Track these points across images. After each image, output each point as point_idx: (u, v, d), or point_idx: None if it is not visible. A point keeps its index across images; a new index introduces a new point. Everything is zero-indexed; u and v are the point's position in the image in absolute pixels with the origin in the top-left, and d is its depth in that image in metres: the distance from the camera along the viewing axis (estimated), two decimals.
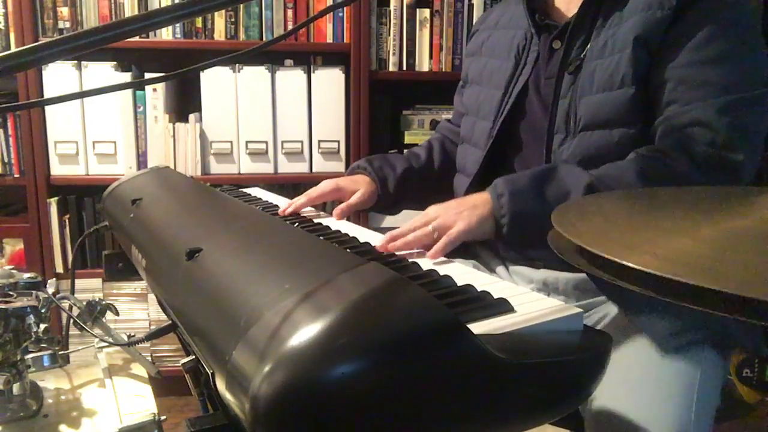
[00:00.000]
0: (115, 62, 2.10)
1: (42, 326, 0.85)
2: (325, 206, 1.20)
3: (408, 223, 0.91)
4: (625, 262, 0.48)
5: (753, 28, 0.97)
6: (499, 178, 0.95)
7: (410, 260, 0.81)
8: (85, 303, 1.01)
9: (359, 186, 1.19)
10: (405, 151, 1.34)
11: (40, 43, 0.49)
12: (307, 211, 1.15)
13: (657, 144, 0.96)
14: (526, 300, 0.66)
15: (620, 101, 0.97)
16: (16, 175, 2.11)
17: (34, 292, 0.89)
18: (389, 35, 2.18)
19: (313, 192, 1.15)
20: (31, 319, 0.84)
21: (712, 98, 0.92)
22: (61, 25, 2.07)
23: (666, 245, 0.52)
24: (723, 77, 0.93)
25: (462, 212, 0.92)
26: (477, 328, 0.58)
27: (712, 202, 0.65)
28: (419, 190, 1.28)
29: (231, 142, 2.16)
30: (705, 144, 0.92)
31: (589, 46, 1.01)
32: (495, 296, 0.65)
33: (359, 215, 2.16)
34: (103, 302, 1.02)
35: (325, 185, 1.17)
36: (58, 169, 2.12)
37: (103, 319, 1.01)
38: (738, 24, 0.95)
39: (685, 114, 0.94)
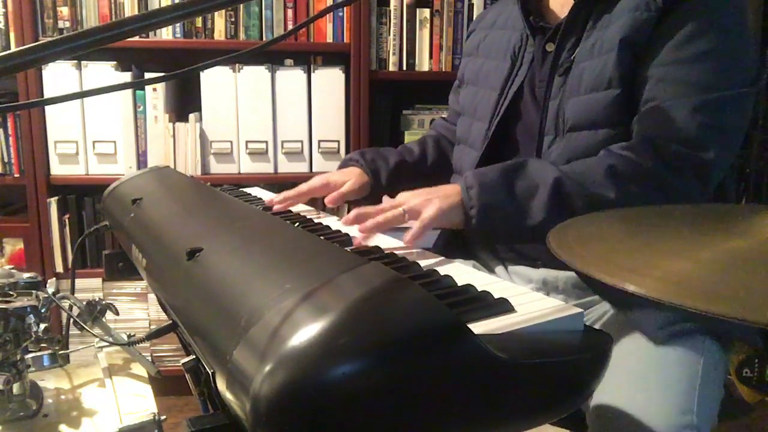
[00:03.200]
0: (115, 62, 2.10)
1: (42, 326, 0.85)
2: (324, 206, 1.20)
3: (377, 205, 0.92)
4: (627, 287, 0.48)
5: (737, 29, 0.97)
6: (470, 171, 0.97)
7: (410, 260, 0.81)
8: (85, 303, 1.01)
9: (350, 178, 1.20)
10: (399, 146, 1.34)
11: (40, 43, 0.49)
12: (308, 211, 1.15)
13: (632, 139, 0.96)
14: (527, 300, 0.66)
15: (606, 102, 0.97)
16: (16, 175, 2.11)
17: (34, 291, 0.89)
18: (389, 35, 2.18)
19: (303, 187, 1.15)
20: (31, 318, 0.84)
21: (686, 97, 0.93)
22: (61, 25, 2.07)
23: (666, 268, 0.52)
24: (701, 76, 0.93)
25: (432, 199, 0.93)
26: (477, 328, 0.58)
27: (709, 222, 0.65)
28: (411, 184, 1.27)
29: (231, 142, 2.16)
30: (674, 141, 0.92)
31: (579, 47, 1.02)
32: (495, 296, 0.65)
33: None
34: (103, 302, 1.02)
35: (315, 181, 1.18)
36: (58, 169, 2.12)
37: (103, 319, 1.01)
38: (721, 24, 0.95)
39: (660, 111, 0.94)
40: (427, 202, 0.92)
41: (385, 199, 1.06)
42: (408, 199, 0.93)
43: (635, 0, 0.97)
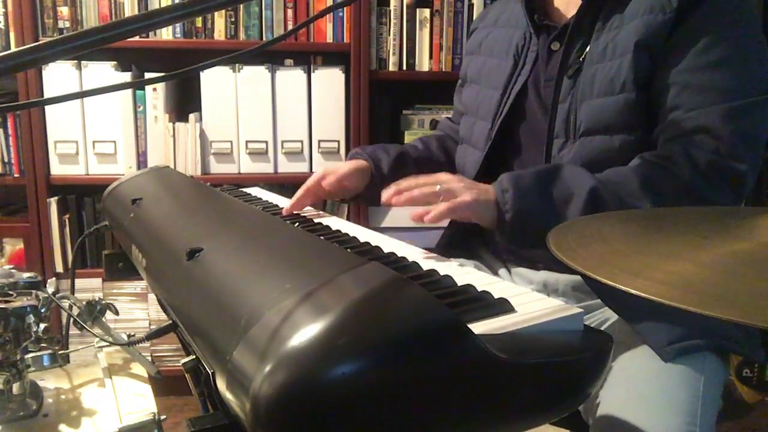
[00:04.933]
0: (115, 62, 2.10)
1: (42, 326, 0.85)
2: (324, 206, 1.20)
3: (415, 178, 0.90)
4: (630, 290, 0.48)
5: (755, 31, 0.96)
6: (505, 174, 0.95)
7: (410, 260, 0.81)
8: (85, 303, 1.01)
9: (350, 164, 1.18)
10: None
11: (40, 43, 0.49)
12: (308, 211, 1.15)
13: (663, 148, 0.95)
14: (527, 300, 0.66)
15: (621, 106, 0.96)
16: (16, 175, 2.11)
17: (34, 291, 0.89)
18: (389, 35, 2.18)
19: (308, 182, 1.14)
20: (31, 318, 0.84)
21: (716, 104, 0.91)
22: (61, 25, 2.07)
23: (668, 270, 0.52)
24: (726, 82, 0.92)
25: (472, 188, 0.91)
26: (477, 328, 0.58)
27: (709, 224, 0.65)
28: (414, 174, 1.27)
29: (231, 141, 2.16)
30: (709, 152, 0.91)
31: (588, 49, 1.00)
32: (495, 296, 0.65)
33: (359, 214, 2.16)
34: (103, 302, 1.02)
35: (313, 175, 1.16)
36: (58, 169, 2.12)
37: (103, 319, 1.01)
38: (740, 27, 0.94)
39: (689, 120, 0.93)
40: (465, 189, 0.90)
41: (394, 214, 1.02)
42: (447, 180, 0.90)
43: (648, 2, 0.96)
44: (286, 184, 2.22)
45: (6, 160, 2.10)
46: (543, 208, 0.91)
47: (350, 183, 1.18)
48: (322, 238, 0.90)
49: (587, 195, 0.90)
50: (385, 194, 0.85)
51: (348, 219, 1.13)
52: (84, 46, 0.50)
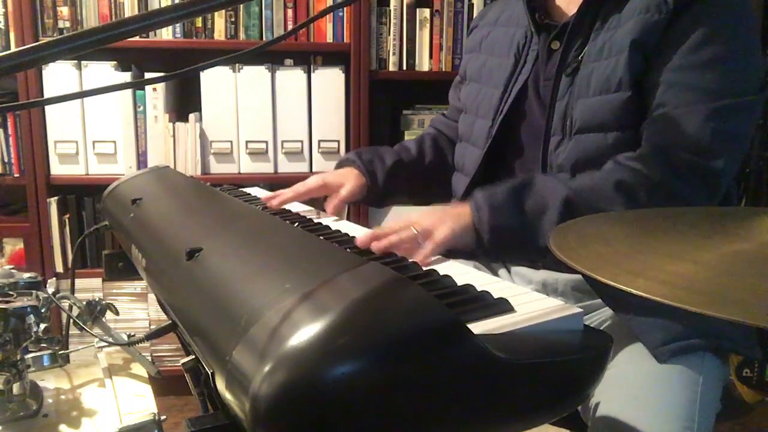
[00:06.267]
0: (115, 62, 2.10)
1: (42, 326, 0.85)
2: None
3: (390, 224, 0.91)
4: (632, 290, 0.48)
5: (748, 33, 0.96)
6: (478, 191, 0.96)
7: (410, 260, 0.81)
8: (85, 303, 1.01)
9: (347, 180, 1.18)
10: (396, 144, 1.32)
11: (40, 43, 0.49)
12: (307, 211, 1.15)
13: (641, 147, 0.96)
14: (527, 300, 0.66)
15: (616, 105, 0.96)
16: (16, 175, 2.11)
17: (34, 291, 0.89)
18: (389, 35, 2.18)
19: (300, 187, 1.14)
20: (31, 318, 0.84)
21: (699, 104, 0.92)
22: (61, 24, 2.07)
23: (669, 270, 0.52)
24: (713, 82, 0.92)
25: (445, 219, 0.92)
26: (477, 327, 0.58)
27: (709, 224, 0.65)
28: (408, 184, 1.27)
29: (231, 141, 2.16)
30: (686, 150, 0.92)
31: (586, 48, 1.01)
32: (495, 296, 0.65)
33: (359, 215, 2.16)
34: (103, 302, 1.02)
35: (311, 181, 1.16)
36: (58, 169, 2.12)
37: (103, 319, 1.01)
38: (732, 28, 0.94)
39: (672, 118, 0.93)
40: (440, 223, 0.91)
41: (393, 214, 1.04)
42: (420, 219, 0.91)
43: (645, 1, 0.96)
44: (286, 185, 2.21)
45: (6, 160, 2.10)
46: (518, 223, 0.92)
47: (349, 201, 1.20)
48: (322, 238, 0.90)
49: (561, 205, 0.91)
50: (363, 240, 0.87)
51: (348, 219, 1.13)
52: (84, 46, 0.50)
